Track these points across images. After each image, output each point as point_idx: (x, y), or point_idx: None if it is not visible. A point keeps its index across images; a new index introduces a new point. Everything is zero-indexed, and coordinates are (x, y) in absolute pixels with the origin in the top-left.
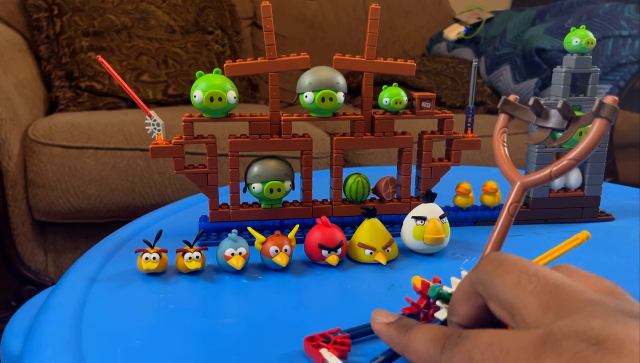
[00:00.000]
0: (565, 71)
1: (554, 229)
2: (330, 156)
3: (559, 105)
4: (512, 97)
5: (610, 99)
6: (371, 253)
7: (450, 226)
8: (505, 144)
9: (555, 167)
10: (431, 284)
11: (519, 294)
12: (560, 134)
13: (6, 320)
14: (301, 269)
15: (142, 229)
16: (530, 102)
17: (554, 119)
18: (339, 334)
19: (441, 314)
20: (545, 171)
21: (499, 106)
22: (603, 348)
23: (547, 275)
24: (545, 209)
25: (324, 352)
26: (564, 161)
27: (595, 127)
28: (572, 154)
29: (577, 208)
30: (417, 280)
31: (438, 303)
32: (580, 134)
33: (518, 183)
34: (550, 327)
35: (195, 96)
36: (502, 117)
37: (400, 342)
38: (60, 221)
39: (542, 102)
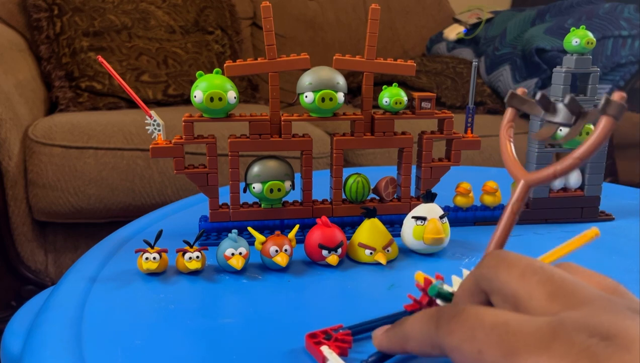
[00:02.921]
0: (565, 71)
1: (554, 229)
2: (330, 156)
3: (567, 100)
4: (519, 91)
5: (617, 96)
6: (371, 253)
7: (450, 226)
8: (511, 140)
9: (560, 165)
10: (433, 281)
11: (524, 284)
12: (560, 133)
13: (6, 320)
14: (301, 269)
15: (142, 229)
16: (538, 96)
17: (562, 114)
18: (340, 331)
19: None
20: (550, 169)
21: (506, 99)
22: (614, 344)
23: (552, 269)
24: (545, 209)
25: (325, 349)
26: (569, 160)
27: (601, 126)
28: (578, 153)
29: (577, 208)
30: (420, 276)
31: (438, 301)
32: (580, 134)
33: (522, 181)
34: (559, 318)
35: (195, 96)
36: (509, 112)
37: (396, 335)
38: (60, 221)
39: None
